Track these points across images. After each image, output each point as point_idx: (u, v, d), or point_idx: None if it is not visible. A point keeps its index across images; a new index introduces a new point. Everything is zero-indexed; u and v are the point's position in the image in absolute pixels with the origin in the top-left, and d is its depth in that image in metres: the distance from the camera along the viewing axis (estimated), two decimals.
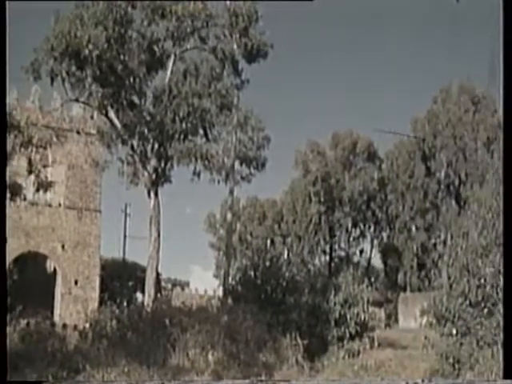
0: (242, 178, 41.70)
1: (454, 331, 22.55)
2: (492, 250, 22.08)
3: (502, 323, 21.48)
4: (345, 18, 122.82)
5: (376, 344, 33.57)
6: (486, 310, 22.08)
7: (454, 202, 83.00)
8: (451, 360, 22.15)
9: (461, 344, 22.25)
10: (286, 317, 32.18)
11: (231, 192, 40.97)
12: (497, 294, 21.66)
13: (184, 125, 31.93)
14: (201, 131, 33.36)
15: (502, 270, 21.59)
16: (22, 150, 23.68)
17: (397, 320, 70.36)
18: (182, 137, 32.44)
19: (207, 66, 34.37)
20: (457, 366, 22.00)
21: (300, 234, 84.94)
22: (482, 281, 21.85)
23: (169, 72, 33.43)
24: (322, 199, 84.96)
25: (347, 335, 33.01)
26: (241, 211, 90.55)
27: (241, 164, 41.19)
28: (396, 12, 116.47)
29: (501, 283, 21.56)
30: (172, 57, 33.59)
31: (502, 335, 21.19)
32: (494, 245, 22.12)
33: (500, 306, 21.69)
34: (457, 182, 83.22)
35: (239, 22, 33.06)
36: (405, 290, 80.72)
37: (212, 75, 33.75)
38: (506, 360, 15.24)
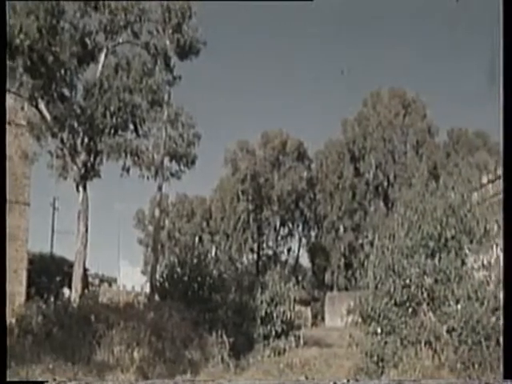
0: (172, 174, 41.53)
1: (379, 330, 22.79)
2: (417, 251, 22.43)
3: (426, 323, 21.87)
4: (279, 18, 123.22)
5: (302, 342, 33.80)
6: (410, 310, 22.37)
7: (381, 204, 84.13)
8: (375, 358, 22.38)
9: (385, 343, 22.50)
10: (213, 314, 32.17)
11: (160, 188, 40.75)
12: (421, 294, 22.00)
13: (114, 119, 31.63)
14: (131, 126, 33.10)
15: (427, 271, 22.00)
16: None
17: (323, 319, 70.88)
18: (112, 131, 32.14)
19: (139, 61, 34.10)
20: (381, 364, 22.23)
21: (228, 231, 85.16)
22: (408, 281, 22.13)
23: (100, 65, 33.09)
24: (251, 197, 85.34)
25: (273, 333, 33.14)
26: (170, 208, 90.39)
27: (170, 160, 41.02)
28: (333, 10, 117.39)
29: (425, 284, 21.92)
30: (104, 50, 33.27)
31: (425, 334, 21.59)
32: (419, 246, 22.48)
33: (424, 306, 22.08)
34: (385, 184, 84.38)
35: (172, 17, 33.01)
36: (332, 289, 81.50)
37: (144, 70, 33.49)
38: (506, 360, 15.41)
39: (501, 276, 24.40)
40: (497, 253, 48.61)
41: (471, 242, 22.68)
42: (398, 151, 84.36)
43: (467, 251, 22.73)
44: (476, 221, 22.66)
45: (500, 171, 61.58)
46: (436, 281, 21.92)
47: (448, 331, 21.30)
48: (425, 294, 22.01)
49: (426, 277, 21.95)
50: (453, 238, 22.28)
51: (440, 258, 22.16)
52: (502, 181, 63.16)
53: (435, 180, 25.41)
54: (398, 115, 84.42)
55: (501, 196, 64.19)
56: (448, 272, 21.86)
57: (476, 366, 20.31)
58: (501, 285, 24.31)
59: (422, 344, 21.54)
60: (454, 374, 20.26)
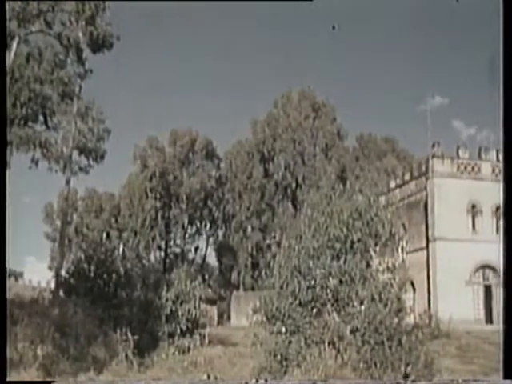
0: (80, 168, 40.94)
1: (283, 329, 22.92)
2: (323, 253, 22.64)
3: (330, 323, 22.13)
4: (195, 16, 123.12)
5: (207, 341, 33.81)
6: (315, 310, 22.58)
7: (290, 205, 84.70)
8: (279, 357, 22.52)
9: (289, 342, 22.64)
10: (118, 311, 31.91)
11: (68, 182, 40.20)
12: (326, 294, 22.24)
13: (24, 110, 31.07)
14: (41, 118, 32.57)
15: (332, 272, 22.25)
16: None
17: (229, 318, 71.08)
18: (21, 122, 31.55)
19: (51, 51, 33.55)
20: (284, 363, 22.38)
21: (136, 228, 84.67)
22: (313, 282, 22.32)
23: (12, 54, 32.41)
24: (159, 195, 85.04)
25: (178, 332, 33.02)
26: (78, 203, 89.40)
27: (79, 154, 40.44)
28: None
29: (330, 285, 22.17)
30: (16, 38, 32.60)
31: (329, 334, 21.83)
32: (325, 247, 22.69)
33: (328, 307, 22.33)
34: (294, 185, 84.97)
35: (86, 9, 32.61)
36: (238, 288, 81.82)
37: (55, 62, 33.00)
38: (506, 360, 15.64)
39: (405, 278, 24.91)
40: (402, 256, 49.64)
41: (376, 244, 23.01)
42: (308, 153, 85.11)
43: (372, 254, 23.06)
44: (382, 224, 22.97)
45: (407, 176, 63.04)
46: (341, 282, 22.19)
47: (351, 331, 21.61)
48: (329, 295, 22.26)
49: (331, 278, 22.18)
50: (359, 240, 22.57)
51: (345, 259, 22.44)
52: (409, 186, 63.69)
53: (343, 183, 25.68)
54: (307, 118, 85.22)
55: (406, 201, 65.14)
56: (353, 274, 22.15)
57: (378, 365, 20.66)
58: (405, 287, 24.83)
59: (326, 344, 21.80)
60: (357, 373, 20.58)
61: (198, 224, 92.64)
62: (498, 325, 53.54)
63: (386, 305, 21.81)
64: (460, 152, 58.72)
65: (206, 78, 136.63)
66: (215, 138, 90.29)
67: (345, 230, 22.50)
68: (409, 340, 21.48)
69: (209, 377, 24.45)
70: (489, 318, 56.52)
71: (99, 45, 33.62)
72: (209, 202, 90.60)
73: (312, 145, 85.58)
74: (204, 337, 33.97)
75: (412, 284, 57.43)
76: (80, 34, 33.21)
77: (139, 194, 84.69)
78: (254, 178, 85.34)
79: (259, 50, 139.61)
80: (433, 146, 57.90)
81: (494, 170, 58.88)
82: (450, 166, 57.57)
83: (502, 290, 61.90)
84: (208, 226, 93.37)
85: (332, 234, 22.62)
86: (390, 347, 21.01)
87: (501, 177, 57.80)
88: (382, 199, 26.35)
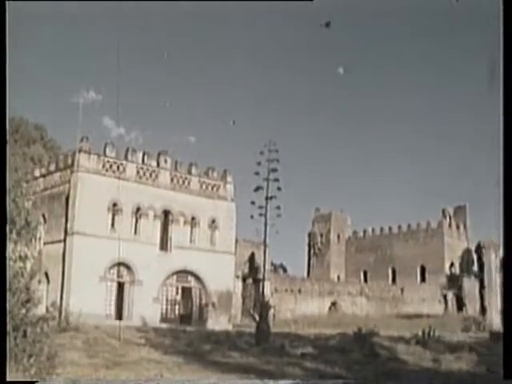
0: None
1: None
2: None
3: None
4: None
5: None
6: None
7: None
8: None
9: None
10: None
11: None
12: None
13: None
14: None
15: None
16: None
17: None
18: None
19: None
20: None
21: None
22: None
23: None
24: None
25: None
26: None
27: None
28: None
29: None
30: None
31: None
32: None
33: None
34: None
35: None
36: None
37: None
38: (506, 360, 15.65)
39: (37, 269, 24.59)
40: (39, 246, 48.61)
41: (11, 232, 22.49)
42: None
43: (6, 241, 22.49)
44: (18, 211, 22.53)
45: (53, 167, 62.25)
46: None
47: None
48: None
49: None
50: None
51: None
52: (54, 177, 62.99)
53: None
54: None
55: (49, 192, 64.34)
56: None
57: None
58: (36, 278, 24.50)
59: None
60: None
61: None
62: (127, 321, 54.93)
63: (14, 294, 21.36)
64: (107, 150, 59.26)
65: None
66: None
67: None
68: (34, 332, 21.19)
69: None
70: (119, 314, 57.62)
71: None
72: None
73: None
74: None
75: (47, 275, 56.98)
76: None
77: None
78: None
79: None
80: (81, 140, 57.91)
81: (138, 172, 60.28)
82: (95, 163, 57.85)
83: (135, 287, 63.32)
84: None
85: None
86: (15, 338, 20.58)
87: (144, 179, 59.74)
88: (24, 186, 25.60)
